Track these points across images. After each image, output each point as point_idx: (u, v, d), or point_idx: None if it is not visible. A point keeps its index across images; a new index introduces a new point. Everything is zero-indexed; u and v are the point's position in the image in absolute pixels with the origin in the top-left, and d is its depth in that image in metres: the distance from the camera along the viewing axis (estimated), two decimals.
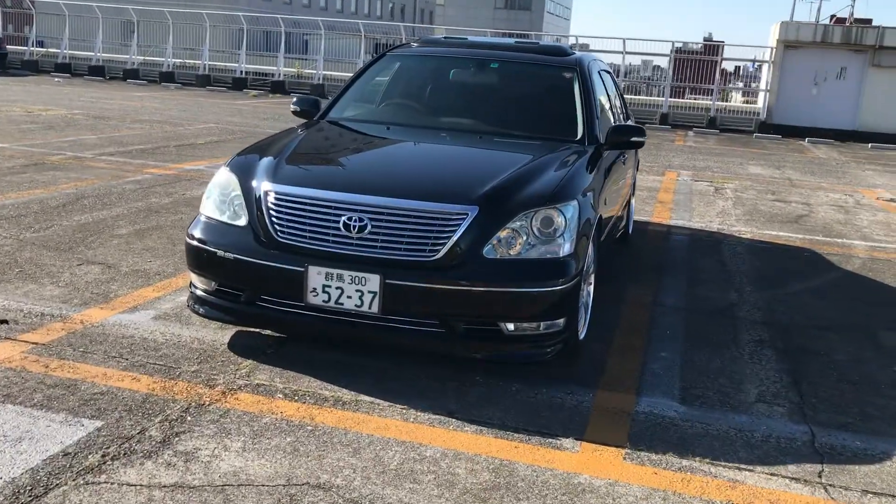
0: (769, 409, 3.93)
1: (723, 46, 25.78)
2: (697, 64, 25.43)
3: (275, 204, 3.98)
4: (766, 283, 6.28)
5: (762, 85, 24.02)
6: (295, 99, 5.61)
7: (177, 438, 3.24)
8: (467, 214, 3.82)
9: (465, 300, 3.78)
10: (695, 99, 25.94)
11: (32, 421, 3.29)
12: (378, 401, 3.70)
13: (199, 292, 4.24)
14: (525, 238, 3.85)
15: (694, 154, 16.15)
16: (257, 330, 4.36)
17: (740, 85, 31.42)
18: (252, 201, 4.08)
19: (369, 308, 3.78)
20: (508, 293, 3.78)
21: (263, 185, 4.07)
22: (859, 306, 5.86)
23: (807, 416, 3.88)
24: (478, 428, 3.51)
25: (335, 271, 3.78)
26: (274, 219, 3.96)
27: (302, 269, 3.82)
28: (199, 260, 4.15)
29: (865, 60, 22.37)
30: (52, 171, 9.03)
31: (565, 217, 3.95)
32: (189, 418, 3.41)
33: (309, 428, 3.40)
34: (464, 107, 5.49)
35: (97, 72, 27.56)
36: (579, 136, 5.06)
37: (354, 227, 3.82)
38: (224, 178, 4.28)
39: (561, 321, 3.90)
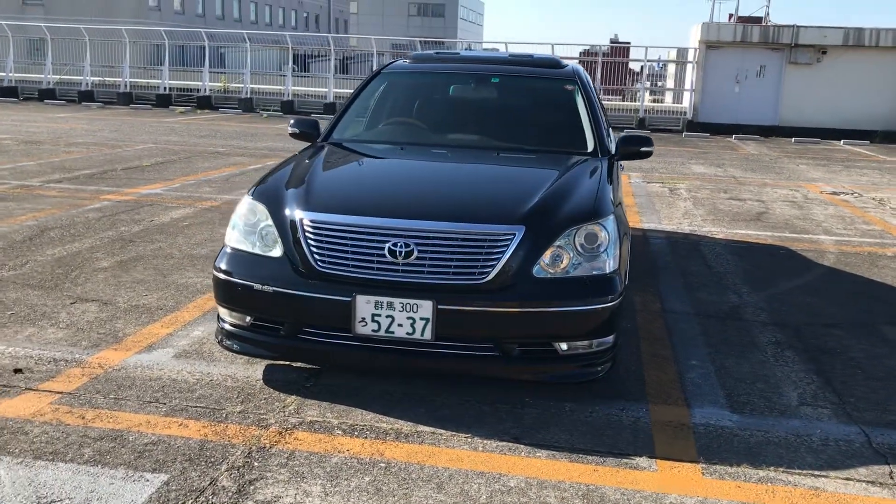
0: (815, 411, 3.99)
1: (629, 48, 26.42)
2: (608, 66, 25.69)
3: (313, 233, 3.85)
4: (757, 283, 6.41)
5: (686, 85, 24.65)
6: (293, 121, 5.45)
7: (252, 487, 3.08)
8: (515, 234, 3.76)
9: (520, 321, 3.72)
10: (609, 100, 26.32)
11: (92, 479, 3.09)
12: (439, 430, 3.61)
13: (230, 327, 4.07)
14: (571, 255, 3.82)
15: None
16: (287, 363, 4.21)
17: (647, 84, 31.82)
18: (286, 231, 3.93)
19: (422, 335, 3.68)
20: (562, 312, 3.74)
21: (298, 214, 3.93)
22: (852, 301, 6.03)
23: (852, 416, 3.95)
24: (549, 453, 3.45)
25: (385, 299, 3.68)
26: (313, 248, 3.82)
27: (349, 299, 3.70)
28: (232, 294, 3.98)
29: (783, 58, 23.21)
30: (2, 201, 8.57)
31: (608, 232, 3.93)
32: (256, 464, 3.26)
33: (382, 465, 3.29)
34: (471, 123, 5.43)
35: (9, 93, 26.41)
36: (590, 148, 5.06)
37: (401, 252, 3.72)
38: (250, 208, 4.12)
39: (610, 338, 3.88)
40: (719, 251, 7.56)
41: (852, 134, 22.12)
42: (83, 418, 3.59)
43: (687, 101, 24.39)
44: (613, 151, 5.08)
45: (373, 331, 3.71)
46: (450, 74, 5.64)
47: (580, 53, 27.24)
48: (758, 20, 29.22)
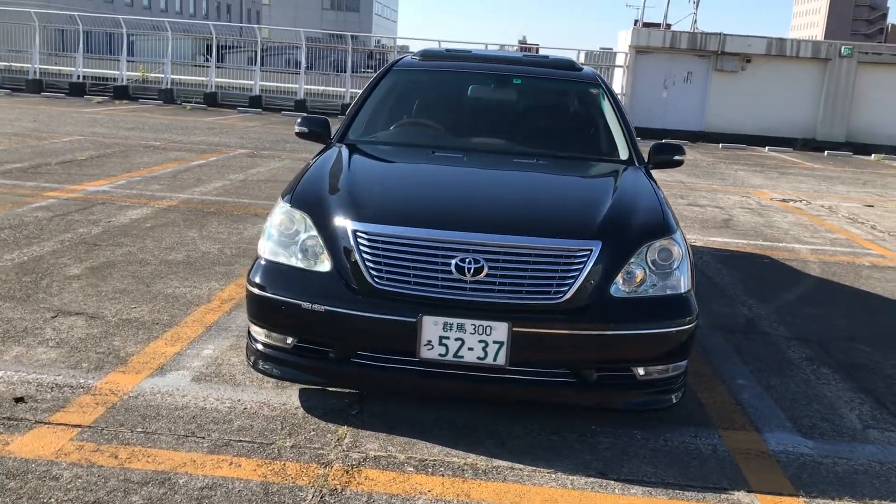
0: (883, 434, 3.87)
1: (538, 48, 26.47)
2: None
3: (369, 246, 3.48)
4: (759, 294, 6.32)
5: (617, 89, 24.92)
6: (301, 119, 5.02)
7: None
8: (592, 250, 3.49)
9: (599, 344, 3.46)
10: None
11: None
12: (517, 465, 3.31)
13: (266, 349, 3.66)
14: (645, 273, 3.57)
15: None
16: (322, 388, 3.82)
17: None
18: (335, 243, 3.55)
19: (494, 360, 3.37)
20: (644, 335, 3.48)
21: (349, 225, 3.55)
22: (857, 314, 6.00)
23: None
24: (645, 490, 3.19)
25: (455, 321, 3.34)
26: (369, 263, 3.46)
27: (414, 320, 3.35)
28: (272, 313, 3.58)
29: (709, 65, 23.72)
30: None
31: (680, 248, 3.71)
32: None
33: None
34: (495, 126, 5.12)
35: None
36: (625, 156, 4.83)
37: (470, 269, 3.39)
38: (288, 217, 3.72)
39: (684, 363, 3.66)
40: (707, 260, 7.47)
41: (775, 141, 22.78)
42: (117, 458, 3.13)
43: None
44: (647, 160, 4.86)
45: (440, 355, 3.38)
46: (468, 74, 5.31)
47: None
48: (656, 25, 29.60)
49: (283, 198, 3.88)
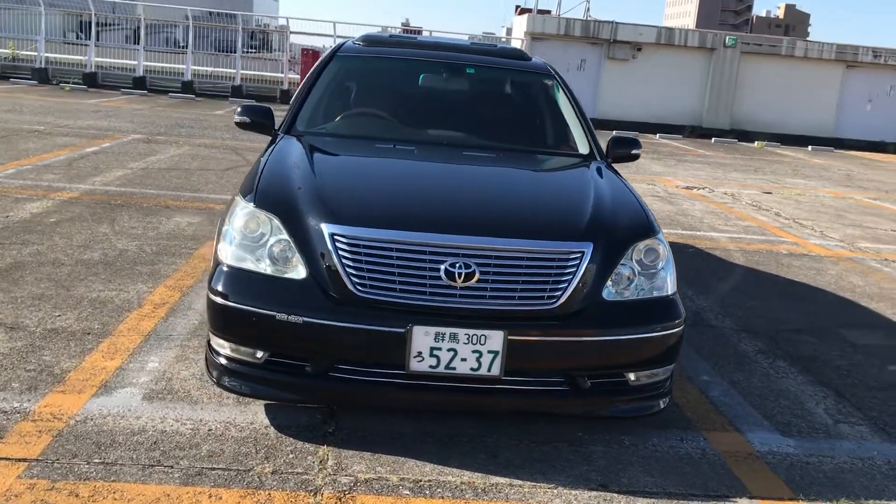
0: (853, 429, 3.91)
1: (420, 31, 26.24)
2: None
3: (349, 251, 3.21)
4: (694, 285, 6.37)
5: None
6: (240, 109, 4.66)
7: None
8: (584, 252, 3.34)
9: (594, 351, 3.32)
10: None
11: None
12: (515, 482, 3.14)
13: (232, 364, 3.34)
14: (634, 275, 3.46)
15: None
16: (286, 404, 3.53)
17: None
18: (310, 248, 3.27)
19: (489, 370, 3.17)
20: (637, 340, 3.36)
21: (324, 227, 3.27)
22: (789, 304, 6.13)
23: (890, 433, 3.90)
24: (650, 501, 3.08)
25: (448, 330, 3.13)
26: (350, 269, 3.19)
27: (403, 331, 3.12)
28: (240, 325, 3.26)
29: (602, 53, 24.15)
30: None
31: (665, 248, 3.61)
32: None
33: None
34: (449, 117, 4.90)
35: None
36: (585, 150, 4.72)
37: (460, 274, 3.18)
38: (253, 218, 3.40)
39: (672, 366, 3.57)
40: None
41: (665, 128, 23.44)
42: (78, 496, 2.77)
43: None
44: (606, 155, 4.75)
45: (430, 367, 3.16)
46: (417, 62, 5.06)
47: None
48: (547, 13, 29.70)
49: (243, 197, 3.54)
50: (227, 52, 24.68)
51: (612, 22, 23.76)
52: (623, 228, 3.56)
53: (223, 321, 3.31)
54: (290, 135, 4.47)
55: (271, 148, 4.20)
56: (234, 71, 23.72)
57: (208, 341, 3.47)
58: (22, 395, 3.49)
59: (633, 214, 3.72)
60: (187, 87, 22.75)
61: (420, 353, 3.14)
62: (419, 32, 26.91)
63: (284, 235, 3.33)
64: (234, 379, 3.34)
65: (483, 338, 3.14)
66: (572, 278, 3.28)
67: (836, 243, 8.66)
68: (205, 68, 24.54)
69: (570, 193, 3.95)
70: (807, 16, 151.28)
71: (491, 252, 3.25)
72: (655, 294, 3.48)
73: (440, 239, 3.25)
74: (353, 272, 3.19)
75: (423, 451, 3.29)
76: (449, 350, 3.14)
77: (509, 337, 3.15)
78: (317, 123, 4.66)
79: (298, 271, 3.26)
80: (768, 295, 6.34)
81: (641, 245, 3.52)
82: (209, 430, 3.33)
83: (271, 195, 3.52)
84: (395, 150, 4.37)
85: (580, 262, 3.31)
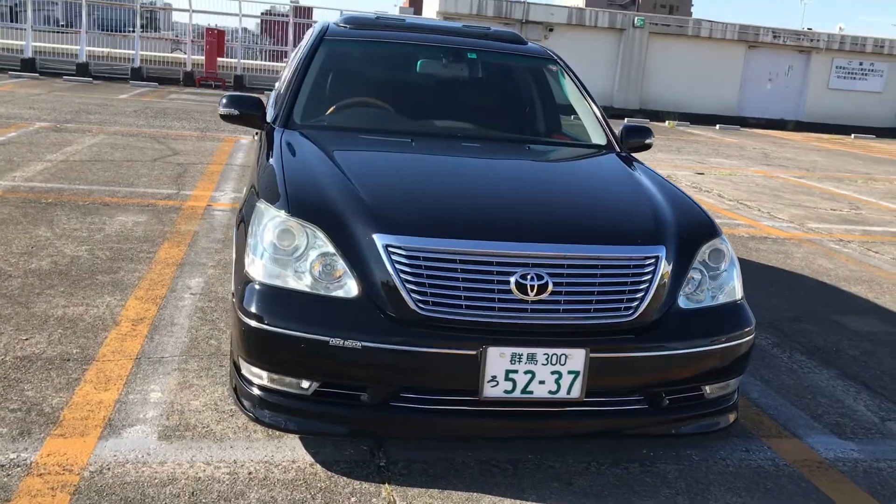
0: None
1: (311, 10, 25.56)
2: (300, 28, 24.13)
3: (409, 264, 2.84)
4: None
5: None
6: (226, 100, 4.17)
7: None
8: (658, 257, 3.07)
9: (675, 364, 3.05)
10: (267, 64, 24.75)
11: None
12: None
13: (273, 397, 2.92)
14: (704, 280, 3.21)
15: None
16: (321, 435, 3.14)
17: None
18: (361, 261, 2.88)
19: (568, 393, 2.87)
20: (715, 350, 3.11)
21: (378, 238, 2.88)
22: (772, 290, 6.06)
23: None
24: None
25: (525, 351, 2.81)
26: (411, 285, 2.82)
27: (475, 353, 2.78)
28: (285, 353, 2.85)
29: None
30: None
31: (729, 249, 3.38)
32: None
33: None
34: (460, 108, 4.54)
35: None
36: (602, 140, 4.44)
37: (532, 287, 2.86)
38: (286, 228, 2.98)
39: (741, 377, 3.34)
40: None
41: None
42: None
43: None
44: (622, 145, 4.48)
45: (505, 392, 2.83)
46: (414, 46, 4.65)
47: (262, 13, 25.86)
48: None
49: (271, 204, 3.10)
50: (118, 31, 23.33)
51: (524, 2, 23.64)
52: (689, 229, 3.30)
53: (261, 347, 2.88)
54: (288, 129, 4.01)
55: (277, 145, 3.75)
56: (133, 52, 22.42)
57: (237, 369, 3.05)
58: (16, 442, 2.98)
59: (693, 213, 3.47)
60: (83, 70, 21.36)
61: (494, 376, 2.81)
62: (311, 13, 26.07)
63: (329, 248, 2.92)
64: (278, 414, 2.92)
65: (563, 357, 2.84)
66: (649, 286, 3.00)
67: (787, 224, 8.72)
68: (99, 49, 23.14)
69: (623, 192, 3.65)
70: None
71: (564, 261, 2.94)
72: (726, 300, 3.24)
73: (509, 248, 2.92)
74: (414, 288, 2.82)
75: (493, 484, 2.97)
76: (526, 373, 2.82)
77: (591, 355, 2.85)
78: (315, 116, 4.21)
79: (348, 289, 2.87)
80: (749, 281, 6.24)
81: (706, 247, 3.27)
82: (249, 473, 2.90)
83: (307, 202, 3.10)
84: (415, 146, 3.98)
85: (656, 268, 3.04)
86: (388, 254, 2.86)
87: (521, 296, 2.86)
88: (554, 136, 4.54)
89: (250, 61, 23.78)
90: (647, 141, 4.56)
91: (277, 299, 2.90)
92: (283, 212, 3.04)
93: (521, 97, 4.75)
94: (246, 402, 2.98)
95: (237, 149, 10.79)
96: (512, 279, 2.86)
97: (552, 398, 2.87)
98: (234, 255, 3.38)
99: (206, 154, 10.10)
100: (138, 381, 3.56)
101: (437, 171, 3.79)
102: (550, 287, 2.88)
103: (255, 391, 2.95)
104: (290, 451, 3.08)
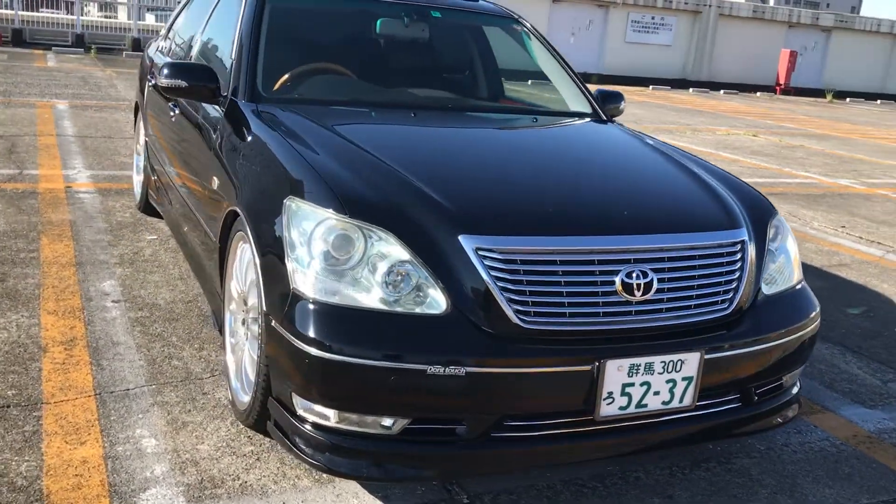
0: None
1: None
2: None
3: (506, 268, 2.40)
4: None
5: None
6: (169, 69, 3.42)
7: None
8: (745, 241, 2.81)
9: (770, 356, 2.81)
10: (53, 14, 22.75)
11: None
12: None
13: (348, 441, 2.39)
14: (772, 261, 2.99)
15: None
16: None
17: None
18: (447, 269, 2.39)
19: (681, 401, 2.57)
20: (795, 339, 2.90)
21: (465, 240, 2.41)
22: None
23: None
24: None
25: (643, 360, 2.47)
26: (510, 293, 2.39)
27: (588, 368, 2.40)
28: (370, 387, 2.33)
29: None
30: None
31: (786, 226, 3.18)
32: None
33: None
34: (432, 74, 4.04)
35: None
36: (589, 108, 4.11)
37: (639, 285, 2.51)
38: (345, 232, 2.43)
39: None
40: None
41: None
42: None
43: None
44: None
45: (620, 408, 2.49)
46: (370, 3, 4.06)
47: None
48: None
49: (317, 204, 2.51)
50: None
51: None
52: (752, 208, 3.05)
53: (333, 382, 2.35)
54: (260, 103, 3.35)
55: (262, 123, 3.10)
56: (73, 17, 19.35)
57: (286, 408, 2.47)
58: None
59: (747, 190, 3.23)
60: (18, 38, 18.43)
61: (611, 392, 2.45)
62: None
63: (404, 255, 2.41)
64: (355, 459, 2.39)
65: (679, 363, 2.52)
66: (741, 274, 2.75)
67: None
68: (32, 14, 20.04)
69: (674, 171, 3.30)
70: None
71: (664, 254, 2.60)
72: (793, 281, 3.04)
73: (612, 243, 2.56)
74: (514, 297, 2.39)
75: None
76: (642, 385, 2.49)
77: (706, 357, 2.56)
78: (282, 87, 3.56)
79: (434, 303, 2.38)
80: None
81: (770, 226, 3.04)
82: None
83: (363, 198, 2.54)
84: (423, 120, 3.47)
85: (744, 253, 2.78)
86: (480, 258, 2.39)
87: (626, 297, 2.50)
88: (549, 104, 4.15)
89: (30, 13, 21.12)
90: (622, 106, 4.29)
91: (345, 322, 2.36)
92: (330, 211, 2.47)
93: (494, 61, 4.32)
94: (307, 449, 2.42)
95: (59, 116, 9.47)
96: (617, 278, 2.49)
97: (664, 409, 2.55)
98: (237, 262, 2.78)
99: (26, 124, 8.75)
100: (116, 426, 2.85)
101: (484, 154, 3.29)
102: (655, 284, 2.54)
103: (320, 435, 2.40)
104: (353, 496, 2.57)
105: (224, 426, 2.92)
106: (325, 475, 2.63)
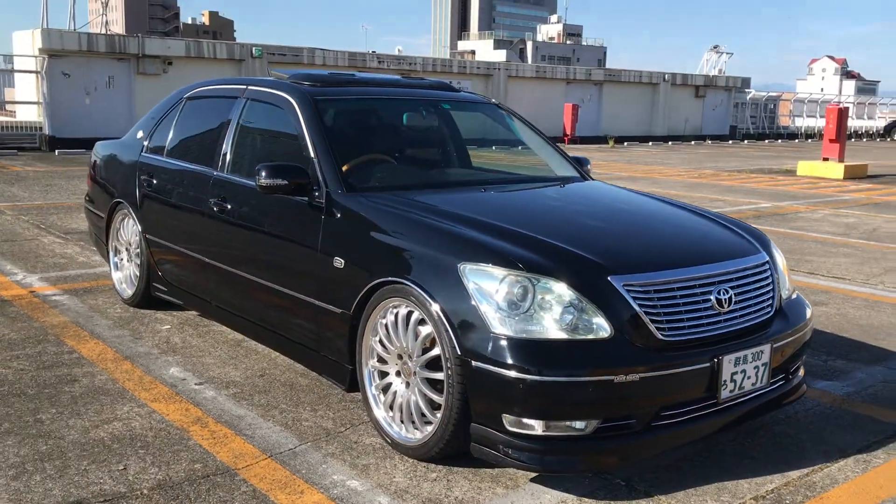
0: (840, 363, 5.02)
1: None
2: None
3: (647, 297, 3.24)
4: None
5: (31, 96, 22.12)
6: (266, 171, 3.92)
7: None
8: (768, 261, 3.83)
9: (800, 344, 3.81)
10: None
11: None
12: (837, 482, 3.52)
13: (550, 445, 3.11)
14: (779, 276, 4.00)
15: None
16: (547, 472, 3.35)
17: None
18: (606, 302, 3.19)
19: (762, 382, 3.51)
20: (809, 329, 3.93)
21: (615, 280, 3.24)
22: None
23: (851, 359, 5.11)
24: None
25: (743, 353, 3.39)
26: (652, 316, 3.23)
27: (707, 364, 3.29)
28: (573, 398, 3.07)
29: (131, 69, 22.85)
30: None
31: (779, 252, 4.21)
32: None
33: None
34: (455, 156, 4.77)
35: None
36: (572, 172, 5.03)
37: (728, 300, 3.45)
38: (523, 284, 3.19)
39: None
40: None
41: None
42: None
43: (39, 115, 21.97)
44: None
45: (730, 391, 3.38)
46: (397, 101, 4.76)
47: None
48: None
49: (493, 265, 3.21)
50: None
51: (137, 36, 22.62)
52: (757, 237, 4.07)
53: (545, 398, 3.05)
54: (355, 193, 3.95)
55: (381, 211, 3.75)
56: None
57: (493, 427, 3.13)
58: None
59: (742, 223, 4.24)
60: None
61: (725, 381, 3.33)
62: None
63: (573, 295, 3.16)
64: (565, 456, 3.11)
65: (760, 353, 3.45)
66: (774, 285, 3.74)
67: None
68: None
69: (686, 212, 4.28)
70: (231, 21, 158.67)
71: (734, 275, 3.54)
72: (791, 290, 4.07)
73: (707, 270, 3.46)
74: (655, 318, 3.22)
75: (736, 464, 3.46)
76: (741, 372, 3.38)
77: (774, 346, 3.51)
78: (361, 177, 4.18)
79: (600, 329, 3.15)
80: None
81: (773, 249, 4.07)
82: None
83: (529, 257, 3.27)
84: (491, 192, 4.23)
85: (771, 271, 3.78)
86: (628, 292, 3.20)
87: (718, 309, 3.40)
88: (553, 171, 5.00)
89: None
90: (589, 167, 5.26)
91: (540, 351, 3.08)
92: (506, 269, 3.18)
93: (501, 141, 5.15)
94: (523, 456, 3.08)
95: None
96: (712, 297, 3.39)
97: (753, 388, 3.47)
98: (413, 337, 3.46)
99: None
100: (313, 477, 3.31)
101: (563, 212, 4.14)
102: (734, 298, 3.47)
103: (530, 444, 3.08)
104: (543, 492, 3.22)
105: (398, 463, 3.46)
106: (511, 481, 3.26)
